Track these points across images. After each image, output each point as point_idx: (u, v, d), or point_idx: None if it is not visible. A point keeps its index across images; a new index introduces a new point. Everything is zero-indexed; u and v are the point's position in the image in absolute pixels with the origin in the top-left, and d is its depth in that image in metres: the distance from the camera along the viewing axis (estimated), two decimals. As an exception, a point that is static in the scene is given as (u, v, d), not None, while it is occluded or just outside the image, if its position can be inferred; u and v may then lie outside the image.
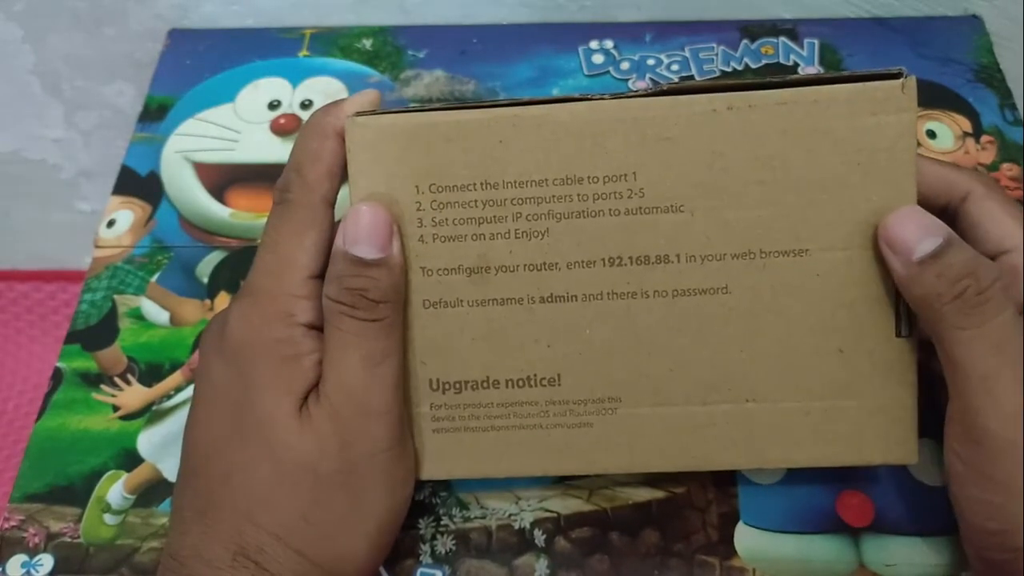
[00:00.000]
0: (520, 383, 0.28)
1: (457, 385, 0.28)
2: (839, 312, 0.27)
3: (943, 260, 0.25)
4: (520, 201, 0.27)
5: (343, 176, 0.27)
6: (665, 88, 0.26)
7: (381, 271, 0.26)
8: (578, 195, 0.26)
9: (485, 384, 0.28)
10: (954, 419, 0.26)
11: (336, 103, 0.28)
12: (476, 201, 0.27)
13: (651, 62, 0.45)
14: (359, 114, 0.27)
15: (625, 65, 0.45)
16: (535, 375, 0.28)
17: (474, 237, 0.27)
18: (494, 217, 0.27)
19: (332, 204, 0.28)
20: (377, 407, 0.26)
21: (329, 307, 0.26)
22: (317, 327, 0.27)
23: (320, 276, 0.27)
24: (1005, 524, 0.25)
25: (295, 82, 0.46)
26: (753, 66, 0.45)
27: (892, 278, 0.26)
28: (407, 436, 0.28)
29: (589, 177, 0.26)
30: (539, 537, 0.32)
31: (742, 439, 0.28)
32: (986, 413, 0.25)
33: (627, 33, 0.46)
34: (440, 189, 0.27)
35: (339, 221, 0.28)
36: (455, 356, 0.28)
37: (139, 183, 0.42)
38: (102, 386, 0.36)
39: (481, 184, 0.27)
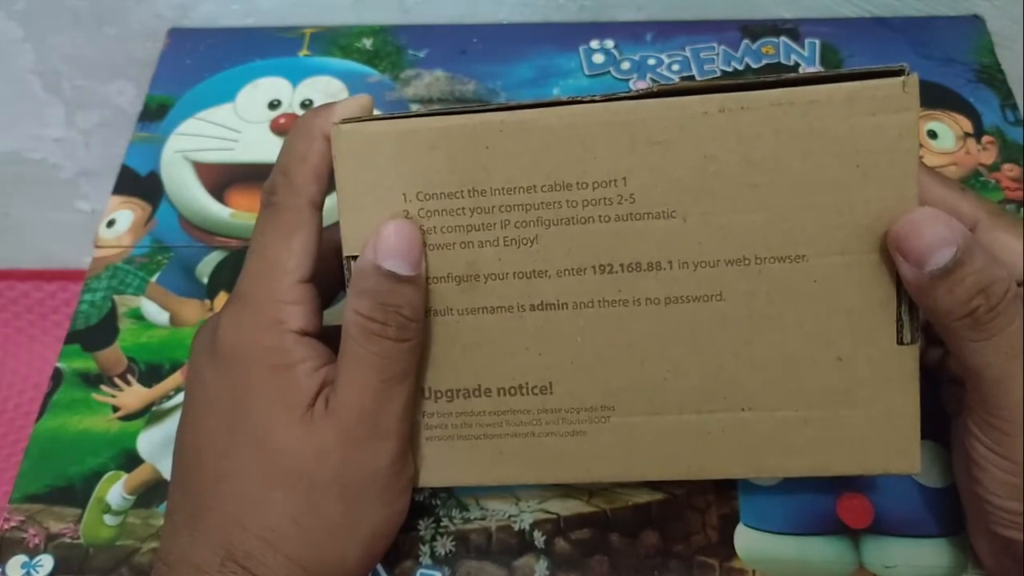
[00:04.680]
0: (512, 391, 0.28)
1: (449, 393, 0.28)
2: (838, 319, 0.26)
3: (955, 275, 0.24)
4: (508, 208, 0.26)
5: (331, 179, 0.27)
6: (655, 90, 0.25)
7: (412, 288, 0.26)
8: (567, 201, 0.26)
9: (477, 392, 0.28)
10: (974, 409, 0.26)
11: (327, 106, 0.27)
12: (464, 209, 0.26)
13: (652, 62, 0.45)
14: (345, 121, 0.26)
15: (626, 65, 0.45)
16: (526, 383, 0.27)
17: (463, 245, 0.27)
18: (482, 224, 0.26)
19: (320, 207, 0.27)
20: (388, 428, 0.26)
21: (358, 324, 0.25)
22: (308, 332, 0.27)
23: (308, 280, 0.27)
24: None
25: (295, 81, 0.46)
26: (754, 66, 0.45)
27: (893, 284, 0.26)
28: (409, 450, 0.28)
29: (578, 183, 0.26)
30: (539, 538, 0.32)
31: (738, 448, 0.27)
32: (1007, 407, 0.25)
33: (628, 33, 0.46)
34: (427, 197, 0.26)
35: (327, 226, 0.28)
36: (446, 364, 0.27)
37: (139, 183, 0.42)
38: (102, 386, 0.36)
39: (468, 191, 0.26)
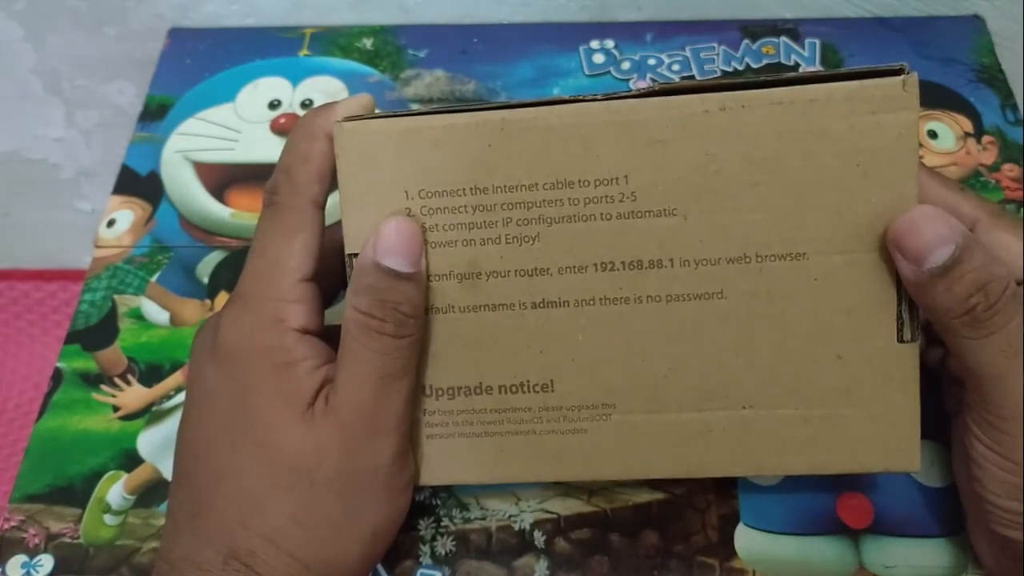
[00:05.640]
0: (513, 389, 0.28)
1: (450, 391, 0.28)
2: (838, 317, 0.26)
3: (954, 273, 0.24)
4: (510, 206, 0.26)
5: (333, 178, 0.27)
6: (656, 89, 0.25)
7: (411, 285, 0.26)
8: (569, 199, 0.26)
9: (478, 390, 0.28)
10: (973, 408, 0.26)
11: (328, 105, 0.27)
12: (466, 207, 0.26)
13: (652, 62, 0.45)
14: (348, 119, 0.26)
15: (626, 65, 0.45)
16: (528, 381, 0.27)
17: (464, 243, 0.27)
18: (484, 222, 0.26)
19: (322, 207, 0.27)
20: (388, 425, 0.26)
21: (357, 320, 0.25)
22: (310, 331, 0.27)
23: (310, 279, 0.27)
24: None
25: (295, 81, 0.46)
26: (754, 66, 0.45)
27: (893, 283, 0.26)
28: (410, 447, 0.28)
29: (580, 181, 0.26)
30: (539, 538, 0.32)
31: (739, 446, 0.27)
32: (1006, 405, 0.25)
33: (628, 33, 0.46)
34: (429, 195, 0.26)
35: (330, 225, 0.28)
36: (448, 362, 0.27)
37: (139, 183, 0.42)
38: (102, 386, 0.36)
39: (470, 189, 0.26)
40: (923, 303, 0.25)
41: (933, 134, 0.42)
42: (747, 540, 0.31)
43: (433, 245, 0.27)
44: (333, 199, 0.27)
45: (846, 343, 0.26)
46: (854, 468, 0.27)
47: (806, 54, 0.45)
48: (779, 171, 0.25)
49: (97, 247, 0.40)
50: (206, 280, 0.39)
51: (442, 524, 0.32)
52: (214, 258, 0.40)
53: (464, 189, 0.26)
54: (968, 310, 0.24)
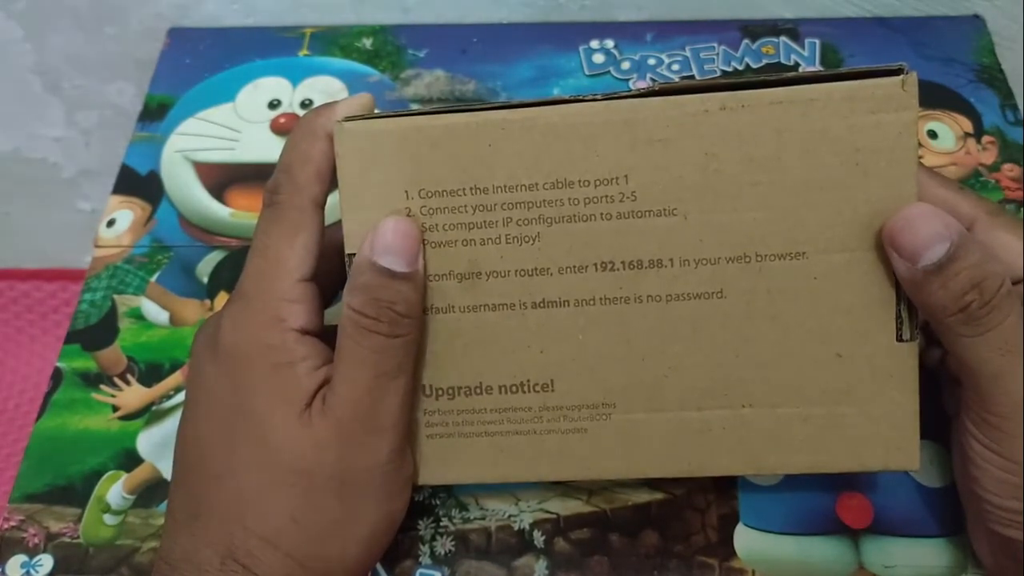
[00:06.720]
0: (513, 389, 0.28)
1: (450, 391, 0.28)
2: (837, 316, 0.26)
3: (948, 271, 0.24)
4: (510, 206, 0.26)
5: (333, 178, 0.27)
6: (657, 88, 0.25)
7: (408, 285, 0.26)
8: (569, 199, 0.26)
9: (478, 390, 0.28)
10: (970, 406, 0.26)
11: (328, 105, 0.27)
12: (466, 206, 0.26)
13: (652, 62, 0.45)
14: (348, 119, 0.26)
15: (626, 65, 0.45)
16: (528, 381, 0.27)
17: (464, 243, 0.27)
18: (484, 222, 0.26)
19: (322, 206, 0.27)
20: (384, 423, 0.26)
21: (352, 319, 0.25)
22: (310, 331, 0.27)
23: (311, 279, 0.27)
24: None
25: (295, 81, 0.46)
26: (754, 66, 0.45)
27: (892, 282, 0.26)
28: (408, 446, 0.28)
29: (580, 180, 0.26)
30: (538, 538, 0.32)
31: (739, 445, 0.27)
32: (1003, 403, 0.25)
33: (628, 33, 0.46)
34: (429, 195, 0.26)
35: (330, 225, 0.28)
36: (448, 362, 0.28)
37: (139, 182, 0.42)
38: (102, 386, 0.36)
39: (471, 189, 0.26)
40: (918, 301, 0.25)
41: (933, 134, 0.42)
42: (747, 540, 0.31)
43: (433, 245, 0.27)
44: (333, 199, 0.27)
45: (846, 342, 0.26)
46: (854, 467, 0.28)
47: (806, 54, 0.45)
48: (779, 170, 0.25)
49: (97, 247, 0.40)
50: (206, 280, 0.39)
51: (441, 524, 0.32)
52: (214, 258, 0.40)
53: (464, 189, 0.26)
54: (963, 307, 0.24)
